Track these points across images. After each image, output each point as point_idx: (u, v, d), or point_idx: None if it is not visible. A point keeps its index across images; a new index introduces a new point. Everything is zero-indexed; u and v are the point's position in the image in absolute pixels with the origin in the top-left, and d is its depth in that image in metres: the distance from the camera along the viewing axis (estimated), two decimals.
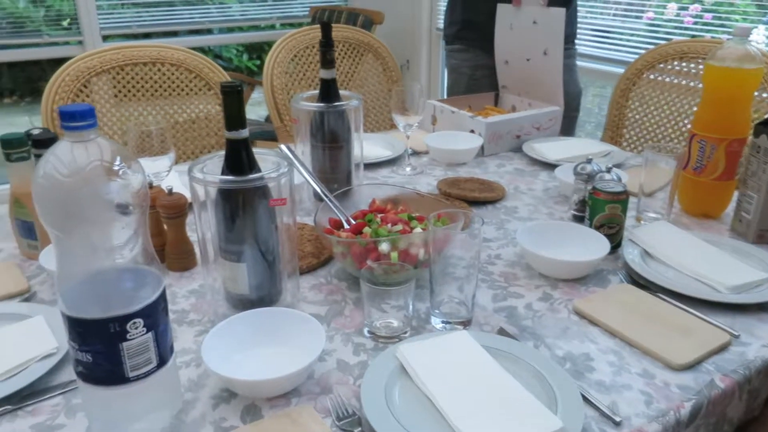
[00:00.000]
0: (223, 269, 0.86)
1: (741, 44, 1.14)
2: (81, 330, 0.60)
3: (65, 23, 3.52)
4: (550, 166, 1.48)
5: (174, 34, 3.77)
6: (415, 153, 1.59)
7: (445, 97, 1.93)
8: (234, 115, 0.80)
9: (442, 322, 0.88)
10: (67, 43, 3.34)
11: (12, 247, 1.07)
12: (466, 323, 0.88)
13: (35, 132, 1.04)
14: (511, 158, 1.58)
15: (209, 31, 3.90)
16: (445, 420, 0.68)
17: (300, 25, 3.98)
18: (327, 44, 1.18)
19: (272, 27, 4.01)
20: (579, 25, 2.00)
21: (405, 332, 0.85)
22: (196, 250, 1.03)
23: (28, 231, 1.02)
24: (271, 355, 0.78)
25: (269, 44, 5.06)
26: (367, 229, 0.99)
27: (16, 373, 0.74)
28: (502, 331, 0.86)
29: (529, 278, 1.00)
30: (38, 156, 1.02)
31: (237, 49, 5.67)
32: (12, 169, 1.00)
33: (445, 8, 2.05)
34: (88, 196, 0.57)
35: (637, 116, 1.79)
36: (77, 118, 0.56)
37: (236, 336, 0.78)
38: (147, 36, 3.75)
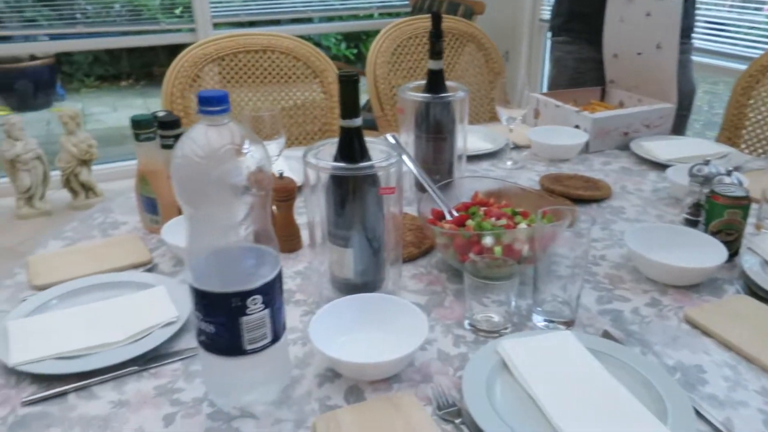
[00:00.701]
0: (330, 253, 0.88)
1: None
2: (206, 302, 0.64)
3: (178, 11, 3.72)
4: (660, 166, 1.41)
5: (277, 22, 3.90)
6: (516, 147, 1.56)
7: (546, 90, 1.89)
8: (349, 104, 0.82)
9: (545, 320, 0.86)
10: (179, 30, 3.51)
11: (136, 221, 1.16)
12: (569, 323, 0.86)
13: (161, 114, 1.11)
14: (617, 156, 1.52)
15: (310, 20, 3.99)
16: (547, 420, 0.67)
17: (398, 15, 4.00)
18: (437, 35, 1.18)
19: (371, 16, 4.05)
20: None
21: (506, 328, 0.85)
22: (302, 233, 1.07)
23: (152, 207, 1.09)
24: (374, 340, 0.80)
25: (367, 33, 5.13)
26: (470, 222, 0.99)
27: (141, 338, 0.80)
28: (606, 335, 0.84)
29: (636, 282, 0.97)
30: (163, 137, 1.09)
31: (336, 37, 5.79)
32: (140, 148, 1.07)
33: None
34: (220, 176, 0.61)
35: (760, 116, 1.68)
36: (214, 103, 0.60)
37: (341, 318, 0.80)
38: (252, 24, 3.90)
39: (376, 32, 1.99)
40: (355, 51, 5.86)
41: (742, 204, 0.99)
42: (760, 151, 1.67)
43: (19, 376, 0.75)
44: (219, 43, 1.68)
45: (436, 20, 1.18)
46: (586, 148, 1.53)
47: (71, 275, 0.95)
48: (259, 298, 0.65)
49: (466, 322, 0.86)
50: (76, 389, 0.73)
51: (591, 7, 1.77)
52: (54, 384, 0.73)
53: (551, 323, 0.86)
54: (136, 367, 0.76)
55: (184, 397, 0.72)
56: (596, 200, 1.25)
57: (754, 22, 2.61)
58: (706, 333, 0.84)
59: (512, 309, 0.85)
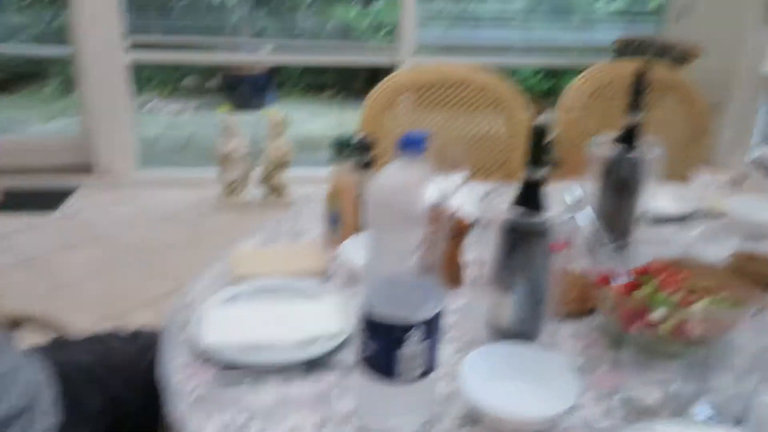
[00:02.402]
0: (491, 297, 0.90)
1: None
2: (371, 324, 0.70)
3: (383, 33, 3.97)
4: None
5: (476, 51, 3.99)
6: (710, 215, 1.45)
7: (758, 152, 1.72)
8: (537, 154, 0.84)
9: (710, 412, 0.80)
10: (383, 52, 3.74)
11: (319, 232, 1.27)
12: (738, 421, 0.79)
13: (358, 137, 1.22)
14: None
15: (509, 51, 4.03)
16: None
17: (603, 52, 3.88)
18: (639, 89, 1.14)
19: (573, 52, 3.99)
20: None
21: (662, 411, 0.80)
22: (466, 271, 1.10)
23: (336, 222, 1.19)
24: (522, 391, 0.80)
25: (566, 70, 5.03)
26: (641, 290, 0.95)
27: (308, 344, 0.89)
28: None
29: None
30: (357, 158, 1.20)
31: (533, 71, 5.76)
32: (336, 166, 1.19)
33: None
34: (407, 209, 0.67)
35: None
36: (412, 145, 0.66)
37: (492, 364, 0.82)
38: (452, 52, 4.03)
39: (574, 69, 1.97)
40: (550, 85, 5.78)
41: None
42: None
43: (207, 355, 0.87)
44: (418, 74, 1.78)
45: (641, 73, 1.15)
46: None
47: (258, 273, 1.07)
48: (419, 329, 0.69)
49: (620, 395, 0.83)
50: (249, 378, 0.83)
51: None
52: (231, 369, 0.84)
53: (717, 417, 0.80)
54: (300, 370, 0.84)
55: (337, 407, 0.79)
56: None
57: None
58: None
59: (672, 392, 0.80)
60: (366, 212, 0.69)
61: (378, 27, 4.15)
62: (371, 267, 0.71)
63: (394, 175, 0.68)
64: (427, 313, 0.69)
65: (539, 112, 3.54)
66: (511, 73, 5.68)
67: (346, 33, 4.03)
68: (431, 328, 0.70)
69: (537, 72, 5.73)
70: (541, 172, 0.85)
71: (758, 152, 1.57)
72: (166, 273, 2.67)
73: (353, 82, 6.07)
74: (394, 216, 0.67)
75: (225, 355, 0.85)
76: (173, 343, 0.90)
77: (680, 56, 3.01)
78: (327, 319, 0.93)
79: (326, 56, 3.86)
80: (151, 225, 3.12)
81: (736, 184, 1.57)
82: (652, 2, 3.81)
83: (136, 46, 3.42)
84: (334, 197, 1.18)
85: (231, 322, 0.92)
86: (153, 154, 4.39)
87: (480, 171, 1.83)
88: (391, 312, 0.69)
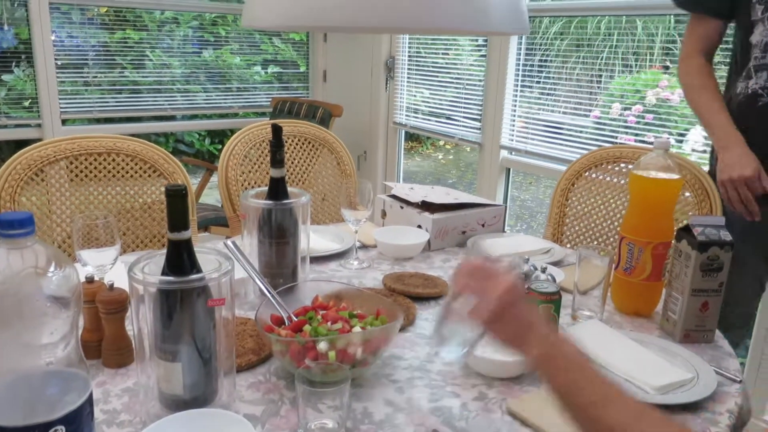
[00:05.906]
0: (158, 368, 0.85)
1: (662, 156, 1.24)
2: None
3: (26, 104, 3.55)
4: None
5: (137, 119, 3.83)
6: (364, 246, 1.62)
7: (403, 184, 1.99)
8: (177, 217, 0.83)
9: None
10: (28, 125, 3.35)
11: None
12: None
13: None
14: (456, 253, 1.63)
15: (173, 117, 3.98)
16: None
17: (263, 114, 4.11)
18: (277, 145, 1.23)
19: (235, 115, 4.13)
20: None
21: None
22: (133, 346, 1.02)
23: None
24: None
25: (232, 130, 5.19)
26: (307, 327, 1.00)
27: None
28: None
29: (466, 377, 1.02)
30: None
31: (199, 133, 5.79)
32: None
33: None
34: (19, 301, 0.58)
35: (577, 215, 1.89)
36: (15, 226, 0.58)
37: None
38: (109, 120, 3.80)
39: (237, 129, 2.04)
40: (219, 146, 5.88)
41: (554, 299, 1.10)
42: (578, 246, 1.87)
43: None
44: (59, 145, 1.62)
45: (277, 131, 1.24)
46: (428, 247, 1.63)
47: None
48: (62, 428, 0.61)
49: (301, 430, 0.86)
50: None
51: None
52: None
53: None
54: None
55: None
56: (434, 297, 1.33)
57: (583, 127, 2.96)
58: (525, 423, 0.90)
59: (346, 414, 0.86)
60: None
61: (19, 98, 3.70)
62: None
63: None
64: (68, 407, 0.61)
65: (210, 172, 3.56)
66: (177, 139, 5.64)
67: None
68: (77, 422, 0.62)
69: (203, 135, 5.80)
70: (185, 233, 0.84)
71: (394, 188, 1.82)
72: None
73: None
74: (3, 309, 0.58)
75: None
76: None
77: (326, 114, 3.36)
78: None
79: None
80: None
81: (381, 218, 1.80)
82: (301, 68, 4.20)
83: None
84: None
85: None
86: None
87: (149, 241, 1.74)
88: (22, 415, 0.59)
